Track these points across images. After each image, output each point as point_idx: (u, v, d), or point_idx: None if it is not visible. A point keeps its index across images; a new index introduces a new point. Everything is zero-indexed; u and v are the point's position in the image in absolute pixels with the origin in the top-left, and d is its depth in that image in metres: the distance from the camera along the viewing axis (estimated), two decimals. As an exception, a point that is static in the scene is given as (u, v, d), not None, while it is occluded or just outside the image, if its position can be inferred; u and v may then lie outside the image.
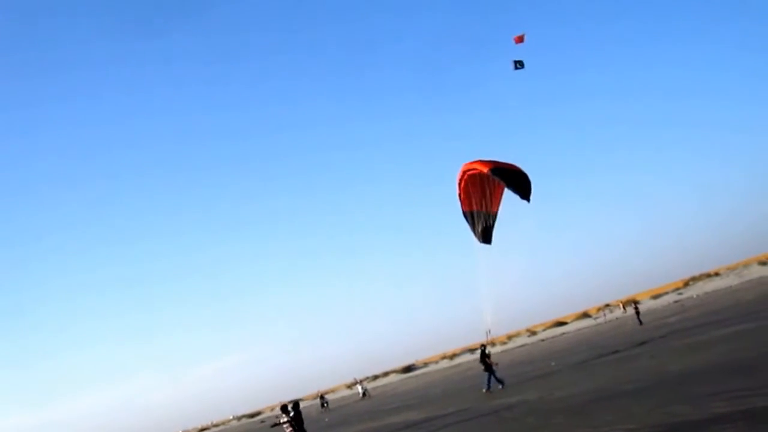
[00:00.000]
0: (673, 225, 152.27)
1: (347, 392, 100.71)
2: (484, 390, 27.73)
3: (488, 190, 22.28)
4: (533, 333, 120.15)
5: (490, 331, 23.92)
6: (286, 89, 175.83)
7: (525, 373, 33.46)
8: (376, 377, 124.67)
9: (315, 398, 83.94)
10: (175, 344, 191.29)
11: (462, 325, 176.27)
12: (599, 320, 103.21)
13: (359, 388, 73.23)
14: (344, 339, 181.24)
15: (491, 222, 22.82)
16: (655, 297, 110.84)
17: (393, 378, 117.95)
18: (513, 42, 22.04)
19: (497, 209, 22.72)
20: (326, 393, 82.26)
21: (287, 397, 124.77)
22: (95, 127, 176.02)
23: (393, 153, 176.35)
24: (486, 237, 22.95)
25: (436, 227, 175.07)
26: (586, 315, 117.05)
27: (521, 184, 21.00)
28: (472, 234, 23.12)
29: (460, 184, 22.88)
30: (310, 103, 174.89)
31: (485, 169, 21.40)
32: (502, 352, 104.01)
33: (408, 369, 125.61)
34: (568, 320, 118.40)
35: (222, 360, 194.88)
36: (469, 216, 23.14)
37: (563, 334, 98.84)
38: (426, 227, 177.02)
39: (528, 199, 20.88)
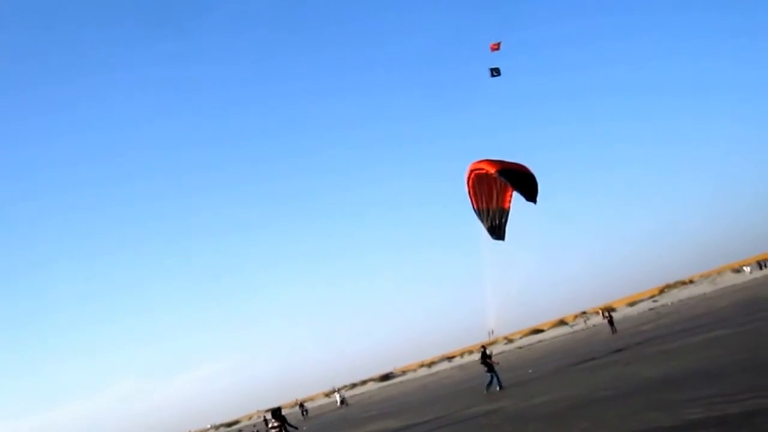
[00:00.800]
0: (649, 233, 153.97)
1: (325, 400, 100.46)
2: (497, 389, 27.73)
3: (496, 189, 22.35)
4: (510, 341, 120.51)
5: (492, 332, 24.03)
6: (286, 90, 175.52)
7: (502, 381, 33.55)
8: (354, 385, 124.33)
9: (293, 406, 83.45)
10: (152, 353, 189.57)
11: (440, 333, 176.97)
12: (576, 327, 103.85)
13: (337, 396, 73.09)
14: (323, 347, 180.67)
15: (504, 218, 22.87)
16: (631, 304, 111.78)
17: (371, 386, 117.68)
18: (489, 50, 22.17)
19: (509, 206, 22.78)
20: (305, 401, 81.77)
21: (265, 406, 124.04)
22: (75, 136, 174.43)
23: (381, 157, 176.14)
24: (499, 234, 23.03)
25: (415, 238, 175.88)
26: (562, 322, 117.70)
27: (527, 186, 21.06)
28: (483, 231, 23.18)
29: (468, 182, 22.94)
30: (308, 104, 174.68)
31: (492, 170, 21.48)
32: (479, 360, 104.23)
33: (386, 377, 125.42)
34: (545, 328, 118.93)
35: (200, 368, 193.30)
36: (480, 213, 23.20)
37: (540, 341, 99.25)
38: (405, 237, 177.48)
39: (534, 201, 20.98)
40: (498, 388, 27.62)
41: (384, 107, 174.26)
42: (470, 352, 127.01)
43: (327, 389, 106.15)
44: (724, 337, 23.07)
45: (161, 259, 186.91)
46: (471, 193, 22.99)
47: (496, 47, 21.93)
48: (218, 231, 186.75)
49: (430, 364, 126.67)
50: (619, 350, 31.40)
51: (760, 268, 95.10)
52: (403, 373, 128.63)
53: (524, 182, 21.15)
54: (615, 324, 54.42)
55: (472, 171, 22.57)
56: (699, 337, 25.71)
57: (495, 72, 22.01)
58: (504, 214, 22.81)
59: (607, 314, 58.35)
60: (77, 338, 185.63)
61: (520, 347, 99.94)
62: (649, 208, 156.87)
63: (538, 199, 21.01)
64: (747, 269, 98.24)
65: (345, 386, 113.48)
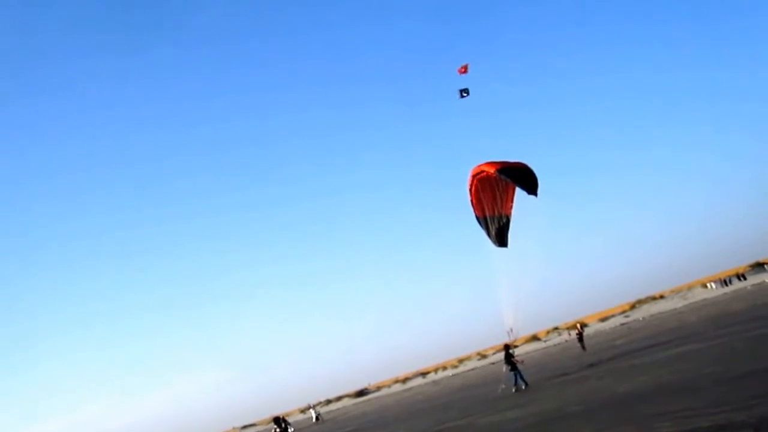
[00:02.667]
0: (620, 248, 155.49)
1: (301, 416, 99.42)
2: (523, 387, 27.87)
3: (499, 191, 22.52)
4: (483, 356, 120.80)
5: (512, 330, 24.28)
6: (277, 97, 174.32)
7: (475, 396, 33.57)
8: (329, 401, 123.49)
9: (268, 423, 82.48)
10: (127, 369, 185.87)
11: (414, 349, 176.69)
12: (549, 342, 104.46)
13: (313, 413, 72.46)
14: (297, 363, 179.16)
15: (505, 224, 23.06)
16: (603, 320, 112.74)
17: (346, 402, 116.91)
18: (457, 73, 22.43)
19: (510, 211, 22.98)
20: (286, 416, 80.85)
21: (240, 423, 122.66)
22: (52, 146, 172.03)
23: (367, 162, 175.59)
24: (501, 240, 23.18)
25: (391, 251, 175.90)
26: (535, 338, 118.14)
27: (527, 180, 21.29)
28: (487, 238, 23.40)
29: (470, 189, 23.04)
30: (300, 111, 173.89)
31: (492, 170, 21.68)
32: (452, 375, 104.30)
33: (361, 393, 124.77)
34: (518, 343, 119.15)
35: (175, 385, 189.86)
36: (483, 221, 23.34)
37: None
38: (380, 250, 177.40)
39: (535, 194, 21.19)
40: (524, 386, 27.87)
41: (378, 112, 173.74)
42: (444, 368, 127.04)
43: (302, 405, 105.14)
44: (694, 352, 23.32)
45: (132, 269, 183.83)
46: (474, 200, 23.18)
47: (464, 70, 22.23)
48: (195, 240, 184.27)
49: (405, 380, 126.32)
50: (591, 365, 31.56)
51: (725, 285, 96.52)
52: (378, 389, 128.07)
53: (524, 177, 21.43)
54: (585, 340, 54.34)
55: (474, 176, 22.73)
56: (670, 352, 25.95)
57: (464, 93, 22.31)
58: (506, 220, 23.04)
59: (577, 330, 58.14)
60: (45, 355, 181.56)
61: (493, 363, 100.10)
62: (620, 223, 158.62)
63: (538, 192, 21.27)
64: (712, 285, 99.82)
65: (320, 402, 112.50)
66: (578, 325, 60.66)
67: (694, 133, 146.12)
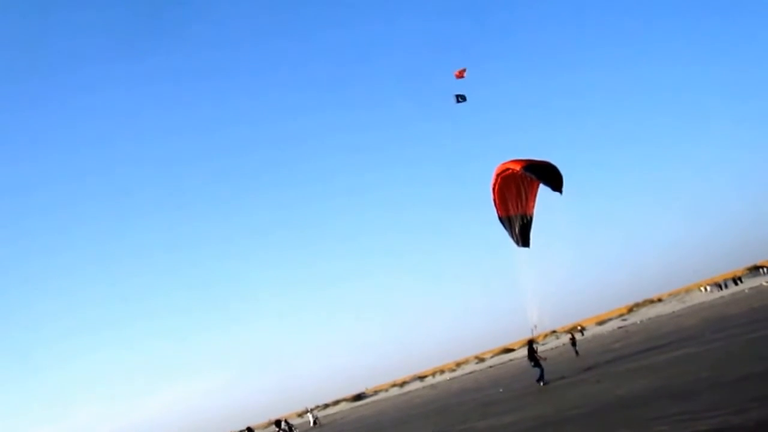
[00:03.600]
0: (617, 252, 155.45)
1: (298, 420, 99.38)
2: (541, 384, 28.13)
3: (523, 190, 22.68)
4: (481, 360, 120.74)
5: (536, 327, 24.57)
6: (278, 98, 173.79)
7: (473, 400, 33.56)
8: (326, 406, 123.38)
9: (268, 426, 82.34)
10: (121, 374, 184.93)
11: (411, 353, 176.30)
12: (547, 346, 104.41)
13: (310, 417, 72.56)
14: (294, 367, 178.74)
15: (528, 223, 23.23)
16: (601, 323, 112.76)
17: (343, 406, 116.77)
18: (455, 77, 22.54)
19: (532, 210, 23.15)
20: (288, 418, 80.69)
21: (237, 427, 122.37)
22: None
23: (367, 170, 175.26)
24: (524, 240, 23.32)
25: (389, 254, 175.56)
26: (532, 341, 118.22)
27: (553, 177, 21.42)
28: (510, 238, 23.58)
29: (494, 188, 23.17)
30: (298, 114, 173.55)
31: (518, 167, 21.82)
32: (450, 379, 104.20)
33: (358, 397, 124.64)
34: (516, 347, 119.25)
35: (170, 389, 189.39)
36: (506, 221, 23.50)
37: (511, 360, 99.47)
38: (378, 253, 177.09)
39: (561, 191, 21.30)
40: (544, 382, 28.23)
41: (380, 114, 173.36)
42: (442, 371, 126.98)
43: (299, 409, 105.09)
44: (692, 355, 23.34)
45: (126, 275, 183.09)
46: (497, 200, 23.32)
47: (461, 75, 22.34)
48: (192, 244, 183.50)
49: (402, 384, 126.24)
50: (588, 369, 31.57)
51: (720, 289, 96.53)
52: (375, 393, 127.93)
53: (549, 174, 21.56)
54: (582, 344, 54.11)
55: (498, 175, 22.84)
56: (667, 355, 25.97)
57: (460, 98, 22.41)
58: (529, 219, 23.20)
59: (571, 335, 57.59)
60: (39, 361, 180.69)
61: (491, 366, 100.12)
62: (617, 226, 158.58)
63: (563, 190, 21.38)
64: (707, 288, 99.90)
65: (317, 406, 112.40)
66: (572, 331, 60.47)
67: (692, 134, 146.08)
